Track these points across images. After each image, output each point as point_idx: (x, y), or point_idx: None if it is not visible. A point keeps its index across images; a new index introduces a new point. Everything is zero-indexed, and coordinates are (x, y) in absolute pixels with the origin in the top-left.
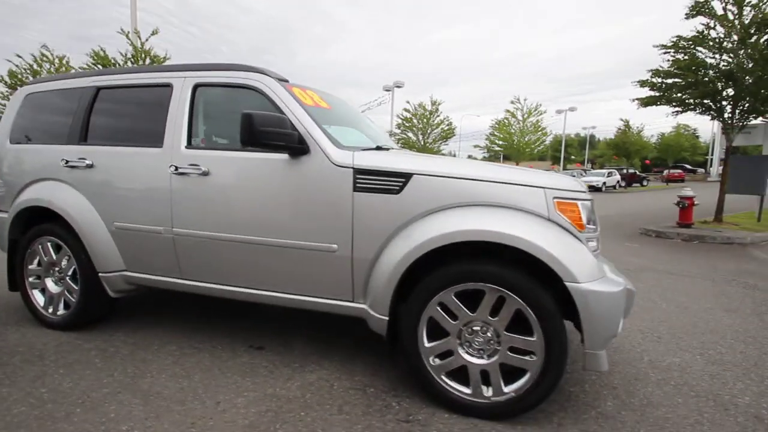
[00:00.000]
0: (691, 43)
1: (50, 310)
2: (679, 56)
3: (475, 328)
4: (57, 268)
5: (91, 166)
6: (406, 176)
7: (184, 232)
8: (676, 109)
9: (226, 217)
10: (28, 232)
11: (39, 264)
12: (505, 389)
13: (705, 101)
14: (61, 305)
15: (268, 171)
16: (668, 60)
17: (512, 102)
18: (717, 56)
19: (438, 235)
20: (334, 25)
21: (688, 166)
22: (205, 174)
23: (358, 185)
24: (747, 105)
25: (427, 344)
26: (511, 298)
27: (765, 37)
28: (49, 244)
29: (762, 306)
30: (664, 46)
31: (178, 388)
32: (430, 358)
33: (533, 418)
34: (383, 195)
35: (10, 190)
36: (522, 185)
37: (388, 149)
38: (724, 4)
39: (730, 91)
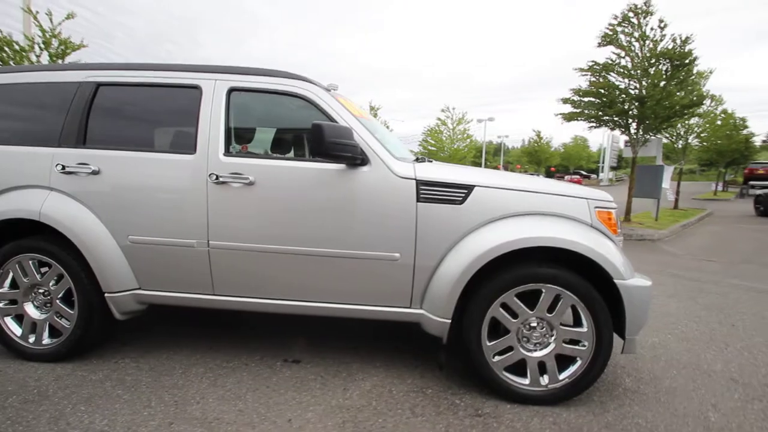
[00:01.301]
0: (603, 68)
1: (31, 340)
2: (594, 79)
3: (533, 324)
4: (42, 291)
5: (96, 173)
6: (469, 188)
7: (224, 245)
8: (592, 124)
9: (275, 228)
10: None
11: (13, 286)
12: (560, 376)
13: (615, 119)
14: (46, 333)
15: (322, 181)
16: (587, 81)
17: (443, 110)
18: (626, 81)
19: (508, 241)
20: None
21: (584, 173)
22: (251, 184)
23: (422, 196)
24: (648, 123)
25: (488, 343)
26: (567, 295)
27: (663, 68)
28: (31, 262)
29: (692, 291)
30: (582, 69)
31: (236, 411)
32: (492, 355)
33: (579, 398)
34: (447, 205)
35: None
36: (569, 196)
37: (430, 161)
38: (628, 38)
39: (635, 111)
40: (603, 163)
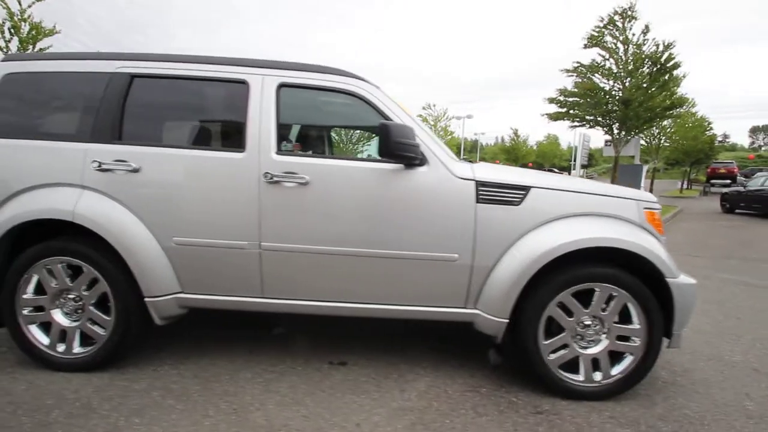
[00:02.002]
0: (588, 69)
1: (60, 349)
2: (579, 80)
3: (586, 322)
4: (72, 296)
5: (135, 171)
6: (526, 189)
7: (277, 246)
8: (576, 123)
9: (330, 229)
10: (22, 253)
11: (39, 292)
12: (612, 372)
13: (600, 119)
14: (77, 342)
15: (378, 181)
16: (572, 82)
17: (424, 108)
18: (611, 83)
19: (570, 241)
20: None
21: (556, 170)
22: (306, 183)
23: (481, 197)
24: (630, 124)
25: (544, 341)
26: (621, 294)
27: (646, 71)
28: (60, 266)
29: None
30: (567, 70)
31: (301, 417)
32: (548, 353)
33: (625, 393)
34: (505, 206)
35: None
36: (620, 197)
37: (474, 161)
38: (615, 41)
39: (619, 113)
40: (574, 160)
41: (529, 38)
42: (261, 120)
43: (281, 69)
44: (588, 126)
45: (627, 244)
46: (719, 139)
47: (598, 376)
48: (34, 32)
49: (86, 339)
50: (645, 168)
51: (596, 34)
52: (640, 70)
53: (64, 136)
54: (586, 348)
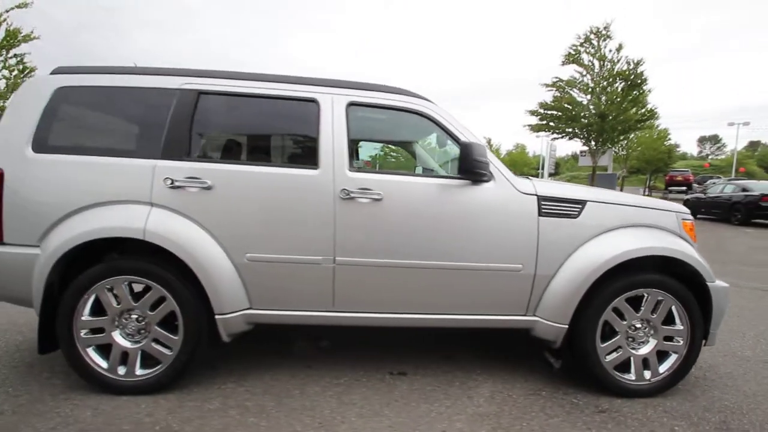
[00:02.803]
0: (566, 84)
1: (121, 372)
2: (558, 94)
3: (637, 325)
4: (135, 316)
5: (208, 188)
6: (583, 203)
7: (351, 261)
8: (556, 135)
9: (402, 243)
10: (83, 272)
11: (98, 313)
12: (660, 370)
13: (577, 131)
14: (138, 363)
15: (447, 196)
16: (553, 96)
17: None
18: (588, 97)
19: (627, 251)
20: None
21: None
22: (380, 199)
23: (543, 211)
24: (606, 136)
25: (601, 344)
26: (668, 298)
27: (619, 87)
28: (124, 285)
29: None
30: (547, 84)
31: (387, 428)
32: (604, 356)
33: (670, 389)
34: (565, 219)
35: (36, 216)
36: (661, 210)
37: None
38: (591, 58)
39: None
40: (542, 169)
41: (500, 50)
42: (334, 138)
43: (349, 88)
44: (568, 138)
45: (674, 252)
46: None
47: (647, 374)
48: (10, 39)
49: (145, 360)
50: (615, 177)
51: (573, 52)
52: (614, 85)
53: (129, 153)
54: (637, 349)
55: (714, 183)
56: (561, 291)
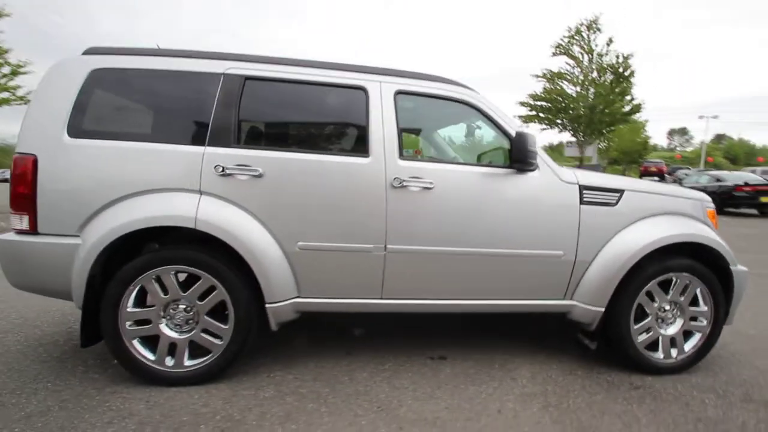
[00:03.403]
0: (556, 76)
1: (169, 363)
2: (549, 86)
3: (666, 307)
4: (183, 306)
5: (259, 176)
6: (621, 192)
7: (402, 248)
8: (545, 126)
9: (450, 231)
10: (129, 263)
11: (145, 304)
12: (686, 348)
13: (566, 123)
14: (186, 354)
15: (495, 185)
16: (543, 88)
17: None
18: (577, 89)
19: (662, 237)
20: None
21: None
22: (430, 187)
23: (584, 199)
24: (593, 127)
25: (635, 326)
26: (695, 281)
27: (608, 79)
28: (172, 275)
29: None
30: (538, 76)
31: (444, 409)
32: (637, 336)
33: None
34: (604, 207)
35: (75, 204)
36: (689, 198)
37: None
38: (581, 50)
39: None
40: None
41: (492, 41)
42: (384, 126)
43: (397, 77)
44: (559, 130)
45: (704, 238)
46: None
47: (674, 352)
48: None
49: (192, 351)
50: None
51: (564, 43)
52: (603, 78)
53: (173, 139)
54: (665, 329)
55: (686, 174)
56: (599, 276)
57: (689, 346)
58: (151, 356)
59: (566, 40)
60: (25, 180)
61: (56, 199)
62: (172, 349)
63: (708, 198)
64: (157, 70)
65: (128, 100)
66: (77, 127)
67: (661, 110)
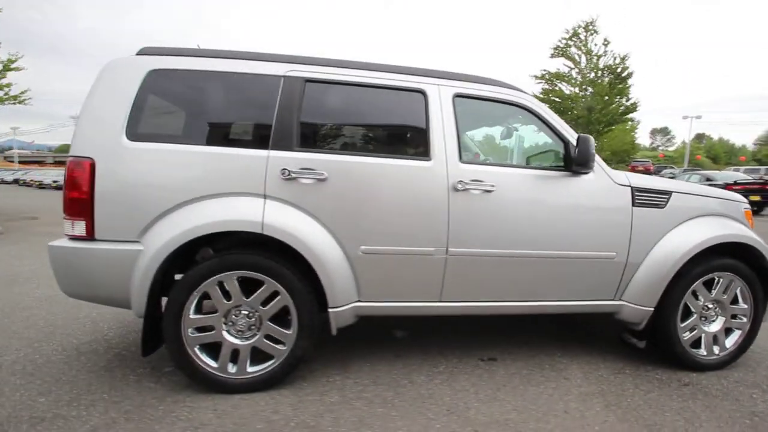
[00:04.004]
0: (554, 77)
1: (232, 370)
2: (547, 87)
3: (709, 306)
4: (246, 312)
5: (323, 180)
6: (669, 194)
7: (462, 251)
8: None
9: (511, 233)
10: (190, 269)
11: (207, 311)
12: (727, 344)
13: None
14: (248, 360)
15: (551, 187)
16: (542, 89)
17: None
18: (576, 90)
19: (711, 237)
20: None
21: None
22: (490, 190)
23: (636, 201)
24: (592, 128)
25: (681, 324)
26: (737, 280)
27: (606, 80)
28: (235, 281)
29: None
30: (536, 77)
31: (512, 409)
32: (683, 334)
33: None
34: (654, 209)
35: (136, 209)
36: (729, 200)
37: None
38: (579, 51)
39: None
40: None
41: (492, 42)
42: (444, 129)
43: (455, 80)
44: None
45: (747, 238)
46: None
47: (716, 349)
48: None
49: (258, 357)
50: None
51: (562, 45)
52: (601, 79)
53: (235, 142)
54: (708, 327)
55: (672, 174)
56: (649, 277)
57: (730, 342)
58: (213, 363)
59: (564, 41)
60: (81, 184)
61: (115, 204)
62: (234, 355)
63: (744, 199)
64: (216, 72)
65: (187, 102)
66: (136, 130)
67: (643, 112)
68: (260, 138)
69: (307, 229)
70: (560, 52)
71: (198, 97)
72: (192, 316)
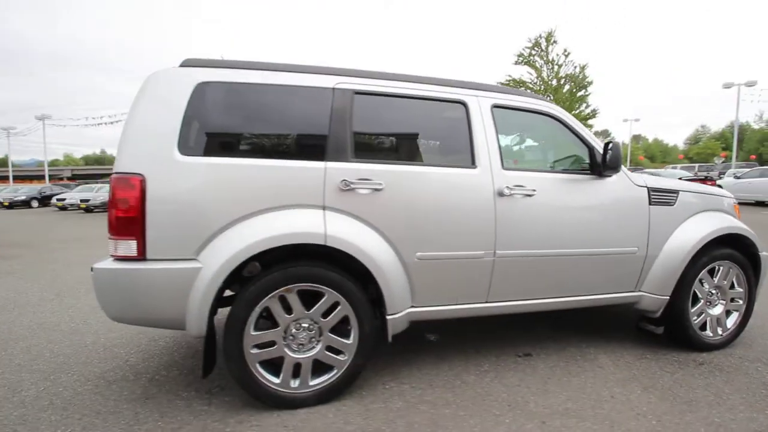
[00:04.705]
0: (518, 84)
1: (294, 385)
2: None
3: (712, 291)
4: (306, 325)
5: (379, 189)
6: (677, 192)
7: (508, 253)
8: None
9: (549, 234)
10: (252, 284)
11: (265, 326)
12: (728, 325)
13: None
14: (310, 373)
15: (582, 190)
16: None
17: None
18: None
19: (715, 230)
20: None
21: None
22: (531, 195)
23: (652, 200)
24: None
25: (691, 310)
26: (734, 267)
27: (566, 88)
28: (295, 294)
29: None
30: (501, 83)
31: (565, 399)
32: (692, 319)
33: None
34: (665, 207)
35: (192, 226)
36: (722, 196)
37: None
38: (542, 60)
39: None
40: None
41: (460, 48)
42: (487, 138)
43: (492, 91)
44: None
45: (741, 230)
46: None
47: (719, 330)
48: None
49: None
50: None
51: (525, 53)
52: (563, 87)
53: (291, 154)
54: (712, 311)
55: None
56: (665, 267)
57: (730, 323)
58: (274, 379)
59: (528, 50)
60: (131, 202)
61: (169, 222)
62: (296, 369)
63: (731, 195)
64: (266, 85)
65: (238, 115)
66: (188, 144)
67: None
68: (316, 149)
69: (366, 238)
70: (524, 60)
71: (249, 109)
72: (253, 332)
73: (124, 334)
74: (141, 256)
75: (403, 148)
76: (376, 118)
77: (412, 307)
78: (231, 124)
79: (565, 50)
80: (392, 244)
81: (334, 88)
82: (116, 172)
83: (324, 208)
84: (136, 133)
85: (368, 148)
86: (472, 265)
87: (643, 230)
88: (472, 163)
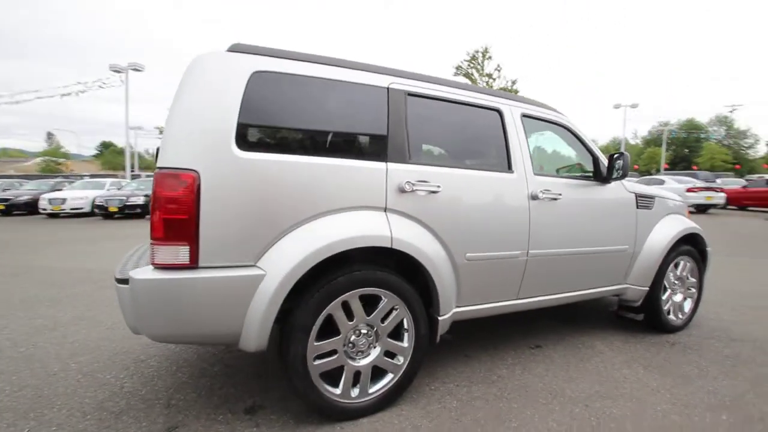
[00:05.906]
0: None
1: (354, 394)
2: None
3: (676, 282)
4: (365, 330)
5: (436, 192)
6: (653, 198)
7: (538, 252)
8: None
9: (569, 234)
10: (316, 290)
11: (330, 332)
12: (686, 310)
13: None
14: (369, 380)
15: (592, 194)
16: None
17: None
18: None
19: (684, 229)
20: None
21: None
22: (556, 198)
23: (639, 204)
24: None
25: (663, 296)
26: (691, 261)
27: None
28: (356, 299)
29: None
30: None
31: (593, 383)
32: (664, 305)
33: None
34: (647, 210)
35: (252, 229)
36: (679, 201)
37: None
38: (479, 74)
39: None
40: None
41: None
42: (520, 144)
43: (520, 102)
44: None
45: (696, 230)
46: None
47: (680, 315)
48: None
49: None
50: None
51: (463, 66)
52: None
53: (355, 154)
54: (675, 298)
55: None
56: (647, 262)
57: (687, 309)
58: (335, 390)
59: (466, 63)
60: (183, 202)
61: (226, 224)
62: (356, 378)
63: (683, 200)
64: (323, 79)
65: (296, 110)
66: (246, 139)
67: None
68: (377, 150)
69: (425, 240)
70: (462, 72)
71: (305, 103)
72: (316, 342)
73: (97, 357)
74: (193, 263)
75: (450, 152)
76: (425, 120)
77: (457, 307)
78: (290, 119)
79: (498, 66)
80: (445, 245)
81: (388, 88)
82: (164, 167)
83: (386, 209)
84: (185, 125)
85: (422, 149)
86: (510, 264)
87: (632, 230)
88: (509, 168)
